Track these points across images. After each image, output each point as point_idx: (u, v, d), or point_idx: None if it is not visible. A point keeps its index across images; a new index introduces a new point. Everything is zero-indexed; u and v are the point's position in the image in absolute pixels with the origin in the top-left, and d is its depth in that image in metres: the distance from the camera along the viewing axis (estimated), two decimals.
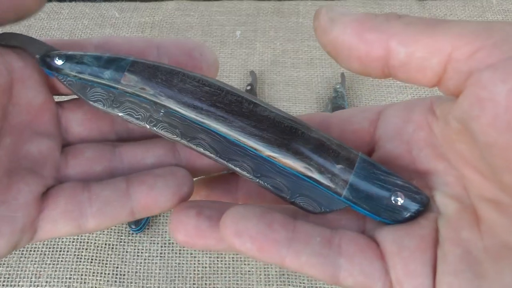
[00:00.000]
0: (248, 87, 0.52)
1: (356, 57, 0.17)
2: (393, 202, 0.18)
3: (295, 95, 0.54)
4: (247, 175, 0.19)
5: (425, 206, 0.18)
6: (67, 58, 0.20)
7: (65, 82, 0.20)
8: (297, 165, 0.18)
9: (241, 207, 0.17)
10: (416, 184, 0.19)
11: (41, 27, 0.60)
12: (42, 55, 0.20)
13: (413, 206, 0.18)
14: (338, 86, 0.52)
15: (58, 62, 0.20)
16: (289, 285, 0.41)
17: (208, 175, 0.22)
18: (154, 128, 0.19)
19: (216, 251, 0.19)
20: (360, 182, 0.18)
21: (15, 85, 0.20)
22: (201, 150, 0.19)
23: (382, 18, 0.17)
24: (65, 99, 0.22)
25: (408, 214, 0.18)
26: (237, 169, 0.19)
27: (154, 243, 0.44)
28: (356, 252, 0.17)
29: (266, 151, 0.19)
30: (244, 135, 0.19)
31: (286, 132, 0.19)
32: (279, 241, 0.17)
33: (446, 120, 0.18)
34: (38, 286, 0.41)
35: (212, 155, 0.19)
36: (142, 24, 0.61)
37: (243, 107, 0.19)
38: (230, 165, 0.19)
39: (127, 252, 0.43)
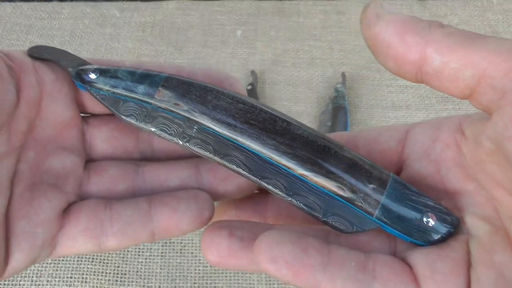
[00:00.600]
0: (249, 87, 0.52)
1: (393, 57, 0.17)
2: (425, 223, 0.18)
3: (295, 95, 0.54)
4: (280, 193, 0.19)
5: (456, 227, 0.18)
6: (101, 72, 0.20)
7: (98, 96, 0.20)
8: (330, 184, 0.18)
9: (275, 232, 0.17)
10: (445, 205, 0.18)
11: (42, 26, 0.60)
12: (75, 69, 0.20)
13: (444, 228, 0.18)
14: (339, 86, 0.52)
15: (92, 75, 0.20)
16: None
17: (231, 199, 0.21)
18: (187, 144, 0.19)
19: (248, 271, 0.19)
20: (392, 202, 0.18)
21: (45, 99, 0.20)
22: (234, 167, 0.19)
23: (425, 24, 0.17)
24: (91, 115, 0.22)
25: (439, 236, 0.18)
26: (270, 187, 0.19)
27: (155, 242, 0.44)
28: (391, 276, 0.17)
29: (299, 170, 0.19)
30: (277, 153, 0.19)
31: (319, 151, 0.19)
32: (314, 266, 0.16)
33: (477, 140, 0.17)
34: (39, 285, 0.41)
35: (245, 173, 0.19)
36: (143, 24, 0.61)
37: (276, 125, 0.19)
38: (263, 183, 0.19)
39: (128, 251, 0.43)
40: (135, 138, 0.21)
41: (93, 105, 0.21)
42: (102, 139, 0.21)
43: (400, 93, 0.54)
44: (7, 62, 0.19)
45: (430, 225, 0.18)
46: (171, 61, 0.57)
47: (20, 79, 0.19)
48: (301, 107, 0.53)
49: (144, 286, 0.41)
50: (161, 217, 0.19)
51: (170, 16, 0.62)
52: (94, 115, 0.21)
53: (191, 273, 0.42)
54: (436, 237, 0.18)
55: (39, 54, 0.20)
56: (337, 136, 0.22)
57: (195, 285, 0.41)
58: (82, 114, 0.21)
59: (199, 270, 0.42)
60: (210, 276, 0.42)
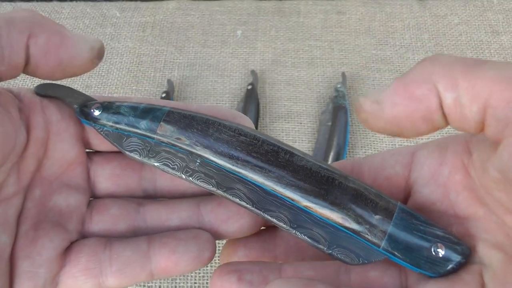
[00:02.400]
0: (249, 87, 0.52)
1: (421, 119, 0.16)
2: (434, 253, 0.17)
3: (296, 95, 0.54)
4: (284, 226, 0.18)
5: (467, 257, 0.17)
6: (104, 108, 0.20)
7: (102, 133, 0.20)
8: (335, 216, 0.18)
9: (283, 281, 0.17)
10: (456, 231, 0.18)
11: None
12: (80, 106, 0.20)
13: (455, 258, 0.17)
14: (339, 86, 0.52)
15: (96, 112, 0.20)
16: None
17: (234, 239, 0.21)
18: (190, 178, 0.19)
19: None
20: (399, 232, 0.18)
21: (52, 138, 0.20)
22: (237, 200, 0.19)
23: (419, 68, 0.16)
24: (95, 152, 0.22)
25: (450, 266, 0.17)
26: (274, 219, 0.18)
27: None
28: None
29: (303, 202, 0.18)
30: (280, 185, 0.19)
31: (323, 182, 0.19)
32: None
33: (484, 167, 0.17)
34: None
35: (248, 206, 0.19)
36: (143, 24, 0.61)
37: (279, 156, 0.19)
38: (266, 215, 0.19)
39: None
40: (137, 176, 0.21)
41: (99, 142, 0.21)
42: (105, 177, 0.21)
43: None
44: (17, 103, 0.19)
45: (440, 255, 0.17)
46: (172, 60, 0.57)
47: (29, 119, 0.19)
48: (301, 107, 0.53)
49: (144, 285, 0.41)
50: (160, 258, 0.19)
51: (170, 16, 0.62)
52: (98, 152, 0.22)
53: (191, 273, 0.42)
54: (447, 268, 0.17)
55: (45, 91, 0.21)
56: (342, 164, 0.21)
57: (195, 285, 0.41)
58: (87, 150, 0.22)
59: (199, 269, 0.42)
60: (210, 276, 0.42)
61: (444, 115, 0.16)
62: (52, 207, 0.19)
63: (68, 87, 0.21)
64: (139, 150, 0.20)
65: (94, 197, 0.21)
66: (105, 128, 0.20)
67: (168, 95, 0.52)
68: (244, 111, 0.50)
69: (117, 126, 0.20)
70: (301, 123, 0.52)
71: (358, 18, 0.61)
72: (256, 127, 0.50)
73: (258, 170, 0.19)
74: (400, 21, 0.61)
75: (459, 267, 0.17)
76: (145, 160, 0.20)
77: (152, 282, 0.41)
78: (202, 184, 0.19)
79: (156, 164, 0.20)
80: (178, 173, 0.19)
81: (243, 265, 0.19)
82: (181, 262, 0.19)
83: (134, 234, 0.20)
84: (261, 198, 0.19)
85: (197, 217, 0.20)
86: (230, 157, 0.19)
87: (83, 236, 0.20)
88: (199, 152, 0.19)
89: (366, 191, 0.19)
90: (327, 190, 0.18)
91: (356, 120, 0.52)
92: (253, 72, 0.55)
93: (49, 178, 0.20)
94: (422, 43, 0.58)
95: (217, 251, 0.41)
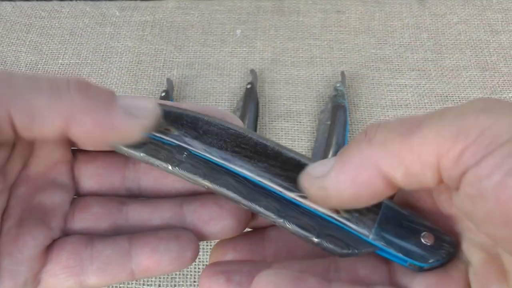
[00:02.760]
0: (249, 86, 0.52)
1: (370, 197, 0.16)
2: (423, 242, 0.18)
3: (295, 94, 0.54)
4: (272, 215, 0.18)
5: (455, 247, 0.18)
6: None
7: None
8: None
9: (272, 273, 0.17)
10: (441, 228, 0.18)
11: (42, 25, 0.60)
12: None
13: (444, 248, 0.18)
14: (338, 85, 0.52)
15: None
16: None
17: (217, 239, 0.21)
18: (177, 168, 0.19)
19: None
20: (387, 221, 0.18)
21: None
22: (225, 190, 0.19)
23: (355, 150, 0.16)
24: (80, 150, 0.22)
25: (440, 255, 0.17)
26: (262, 209, 0.18)
27: None
28: None
29: (292, 193, 0.19)
30: (269, 175, 0.19)
31: None
32: None
33: (453, 199, 0.17)
34: None
35: (235, 195, 0.19)
36: (143, 23, 0.61)
37: (268, 148, 0.19)
38: (254, 205, 0.18)
39: None
40: (121, 175, 0.21)
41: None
42: (89, 175, 0.21)
43: (399, 92, 0.54)
44: None
45: (429, 244, 0.18)
46: (171, 60, 0.57)
47: None
48: (301, 106, 0.53)
49: (143, 284, 0.41)
50: (141, 257, 0.18)
51: (169, 15, 0.62)
52: (83, 150, 0.21)
53: (190, 271, 0.42)
54: (437, 256, 0.17)
55: None
56: None
57: (195, 283, 0.41)
58: (72, 148, 0.21)
59: (198, 268, 0.42)
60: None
61: (394, 186, 0.16)
62: (36, 204, 0.19)
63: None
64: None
65: (78, 195, 0.21)
66: None
67: (168, 94, 0.52)
68: (244, 110, 0.50)
69: None
70: (300, 122, 0.52)
71: (357, 17, 0.61)
72: (256, 126, 0.50)
73: (246, 161, 0.19)
74: (399, 20, 0.61)
75: (448, 258, 0.17)
76: (131, 151, 0.19)
77: (151, 280, 0.41)
78: (189, 175, 0.19)
79: (141, 154, 0.19)
80: (164, 164, 0.19)
81: (232, 266, 0.19)
82: (163, 261, 0.18)
83: (116, 233, 0.20)
84: (249, 189, 0.19)
85: (180, 217, 0.20)
86: (218, 148, 0.19)
87: (66, 234, 0.20)
88: (187, 144, 0.19)
89: None
90: None
91: (355, 119, 0.52)
92: (252, 71, 0.55)
93: (35, 176, 0.20)
94: (421, 42, 0.58)
95: (202, 251, 0.41)
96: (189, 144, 0.19)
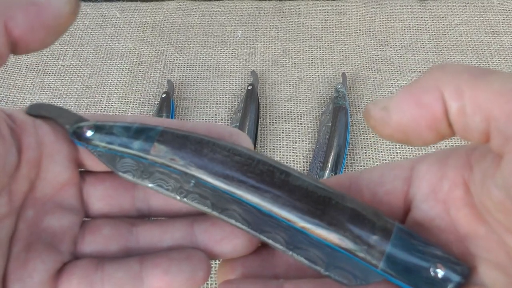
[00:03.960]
0: (250, 87, 0.52)
1: (427, 127, 0.16)
2: (432, 274, 0.17)
3: (296, 95, 0.54)
4: (280, 247, 0.18)
5: (466, 278, 0.17)
6: (97, 129, 0.20)
7: (95, 153, 0.20)
8: (331, 236, 0.18)
9: None
10: (456, 249, 0.18)
11: None
12: (72, 126, 0.20)
13: (454, 278, 0.17)
14: (339, 86, 0.52)
15: (88, 133, 0.20)
16: None
17: (229, 258, 0.21)
18: (185, 199, 0.19)
19: None
20: (397, 253, 0.17)
21: (44, 160, 0.20)
22: (233, 221, 0.18)
23: (427, 75, 0.16)
24: (88, 172, 0.22)
25: (449, 287, 0.17)
26: (270, 241, 0.18)
27: None
28: None
29: (299, 222, 0.18)
30: (276, 205, 0.18)
31: (319, 202, 0.18)
32: None
33: (484, 184, 0.16)
34: None
35: (244, 227, 0.18)
36: (143, 24, 0.61)
37: (274, 176, 0.19)
38: (262, 237, 0.18)
39: None
40: (130, 196, 0.21)
41: (92, 163, 0.21)
42: (98, 197, 0.21)
43: None
44: (9, 124, 0.19)
45: (439, 276, 0.17)
46: (172, 61, 0.57)
47: (21, 140, 0.19)
48: (302, 108, 0.53)
49: None
50: (152, 279, 0.18)
51: (170, 17, 0.62)
52: (91, 172, 0.21)
53: None
54: None
55: (37, 112, 0.20)
56: (340, 179, 0.21)
57: None
58: (80, 170, 0.21)
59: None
60: (210, 276, 0.42)
61: (449, 124, 0.16)
62: (45, 228, 0.19)
63: (61, 108, 0.21)
64: (133, 171, 0.19)
65: (88, 217, 0.21)
66: (98, 149, 0.20)
67: (168, 96, 0.52)
68: (244, 111, 0.50)
69: (110, 146, 0.20)
70: (301, 124, 0.51)
71: (358, 18, 0.61)
72: (256, 128, 0.50)
73: (253, 190, 0.18)
74: (400, 21, 0.61)
75: None
76: (139, 181, 0.19)
77: None
78: (197, 205, 0.19)
79: (150, 185, 0.19)
80: (173, 194, 0.19)
81: (243, 284, 0.19)
82: (174, 283, 0.18)
83: (126, 255, 0.19)
84: (256, 219, 0.18)
85: (191, 237, 0.20)
86: (225, 178, 0.19)
87: (76, 257, 0.19)
88: (193, 173, 0.19)
89: (364, 210, 0.18)
90: (323, 210, 0.18)
91: (357, 121, 0.51)
92: (253, 73, 0.54)
93: (42, 199, 0.20)
94: (423, 43, 0.58)
95: (213, 270, 0.41)
96: (195, 174, 0.19)
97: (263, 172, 0.19)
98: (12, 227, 0.18)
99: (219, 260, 0.21)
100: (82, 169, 0.21)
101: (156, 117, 0.21)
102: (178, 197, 0.19)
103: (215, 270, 0.42)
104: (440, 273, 0.17)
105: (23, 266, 0.18)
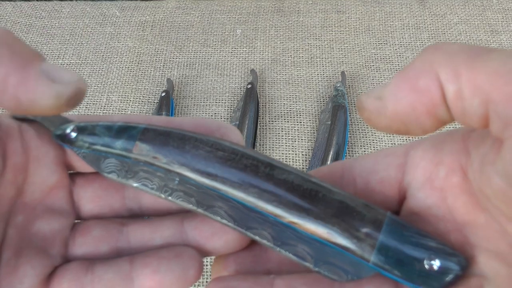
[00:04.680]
0: (249, 86, 0.52)
1: (425, 113, 0.15)
2: (427, 266, 0.16)
3: (295, 94, 0.54)
4: (267, 243, 0.18)
5: (464, 270, 0.16)
6: (79, 130, 0.20)
7: (79, 155, 0.20)
8: (320, 231, 0.17)
9: None
10: (454, 239, 0.17)
11: (42, 26, 0.60)
12: (57, 128, 0.20)
13: (450, 270, 0.16)
14: (338, 85, 0.52)
15: (72, 134, 0.20)
16: None
17: (221, 254, 0.20)
18: (169, 197, 0.19)
19: None
20: (389, 245, 0.17)
21: (31, 164, 0.19)
22: (218, 218, 0.18)
23: (421, 57, 0.15)
24: (77, 173, 0.21)
25: (445, 280, 0.16)
26: (257, 237, 0.18)
27: None
28: None
29: (286, 217, 0.17)
30: (261, 200, 0.18)
31: (306, 195, 0.18)
32: None
33: (483, 171, 0.15)
34: None
35: (229, 224, 0.18)
36: (143, 23, 0.61)
37: (259, 170, 0.18)
38: (249, 233, 0.18)
39: None
40: (120, 196, 0.21)
41: (81, 164, 0.21)
42: (88, 199, 0.21)
43: None
44: None
45: (434, 268, 0.16)
46: (171, 59, 0.57)
47: (6, 146, 0.19)
48: (301, 106, 0.53)
49: None
50: (142, 279, 0.18)
51: (170, 15, 0.62)
52: (81, 173, 0.21)
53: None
54: (442, 281, 0.16)
55: (23, 115, 0.20)
56: (332, 168, 0.20)
57: (194, 283, 0.41)
58: (70, 171, 0.21)
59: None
60: (210, 276, 0.42)
61: (448, 108, 0.15)
62: (35, 232, 0.19)
63: None
64: (117, 171, 0.19)
65: (79, 219, 0.21)
66: (82, 150, 0.20)
67: (168, 94, 0.52)
68: (244, 110, 0.50)
69: (94, 147, 0.19)
70: (300, 122, 0.52)
71: (357, 17, 0.61)
72: (256, 126, 0.50)
73: (238, 186, 0.18)
74: (399, 20, 0.61)
75: (456, 280, 0.16)
76: (124, 181, 0.19)
77: None
78: (182, 203, 0.19)
79: (135, 184, 0.19)
80: (158, 193, 0.19)
81: (234, 281, 0.18)
82: (165, 281, 0.18)
83: (117, 255, 0.19)
84: (243, 215, 0.18)
85: (181, 234, 0.19)
86: (208, 174, 0.18)
87: (67, 260, 0.19)
88: (176, 170, 0.19)
89: (353, 202, 0.18)
90: (310, 203, 0.17)
91: (356, 119, 0.52)
92: (252, 71, 0.55)
93: (32, 204, 0.19)
94: (422, 42, 0.58)
95: (207, 268, 0.41)
96: (178, 171, 0.19)
97: (247, 166, 0.18)
98: (1, 234, 0.18)
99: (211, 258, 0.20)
100: (72, 171, 0.21)
101: (142, 115, 0.21)
102: (163, 196, 0.19)
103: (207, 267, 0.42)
104: (436, 265, 0.16)
105: (13, 272, 0.18)
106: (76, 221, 0.20)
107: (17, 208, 0.19)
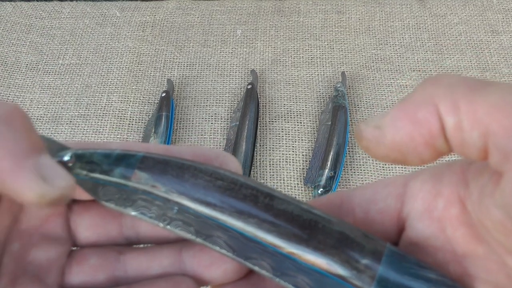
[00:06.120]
0: (249, 86, 0.52)
1: (423, 144, 0.15)
2: None
3: (295, 94, 0.54)
4: (267, 274, 0.17)
5: None
6: (77, 157, 0.19)
7: (77, 182, 0.19)
8: (319, 261, 0.17)
9: None
10: (452, 270, 0.17)
11: (42, 26, 0.60)
12: (54, 156, 0.19)
13: None
14: (339, 85, 0.52)
15: (69, 162, 0.19)
16: None
17: (219, 285, 0.20)
18: (168, 226, 0.18)
19: None
20: (388, 277, 0.17)
21: None
22: (217, 248, 0.18)
23: (420, 89, 0.15)
24: (74, 201, 0.21)
25: None
26: (256, 268, 0.17)
27: None
28: None
29: (285, 248, 0.17)
30: (261, 231, 0.18)
31: (305, 226, 0.18)
32: None
33: (482, 203, 0.15)
34: None
35: (228, 254, 0.18)
36: (143, 23, 0.61)
37: (258, 201, 0.18)
38: (248, 263, 0.18)
39: None
40: (118, 224, 0.20)
41: (78, 192, 0.20)
42: (85, 226, 0.20)
43: (400, 93, 0.54)
44: None
45: None
46: (171, 60, 0.57)
47: None
48: (301, 107, 0.53)
49: None
50: None
51: (170, 16, 0.62)
52: (78, 201, 0.21)
53: None
54: None
55: None
56: (331, 198, 0.20)
57: None
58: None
59: None
60: None
61: (446, 140, 0.15)
62: (31, 260, 0.19)
63: (43, 135, 0.20)
64: (115, 199, 0.19)
65: (76, 247, 0.20)
66: (80, 178, 0.19)
67: (168, 95, 0.52)
68: (244, 110, 0.50)
69: (91, 175, 0.19)
70: (301, 123, 0.52)
71: (358, 17, 0.61)
72: (256, 127, 0.50)
73: (237, 215, 0.18)
74: (399, 20, 0.61)
75: None
76: (122, 209, 0.19)
77: None
78: (180, 232, 0.18)
79: (133, 213, 0.19)
80: (156, 222, 0.19)
81: None
82: None
83: (115, 284, 0.19)
84: (242, 245, 0.18)
85: (179, 263, 0.19)
86: (207, 204, 0.18)
87: None
88: (175, 199, 0.18)
89: (352, 233, 0.17)
90: (310, 234, 0.17)
91: (356, 120, 0.52)
92: (253, 72, 0.55)
93: (28, 231, 0.19)
94: (422, 42, 0.58)
95: None
96: (177, 200, 0.18)
97: (247, 196, 0.18)
98: None
99: None
100: (73, 200, 0.21)
101: (141, 143, 0.21)
102: (162, 225, 0.19)
103: None
104: None
105: None
106: (72, 248, 0.20)
107: (13, 235, 0.19)
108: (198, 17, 0.62)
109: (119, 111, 0.53)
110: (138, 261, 0.19)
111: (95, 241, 0.20)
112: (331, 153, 0.47)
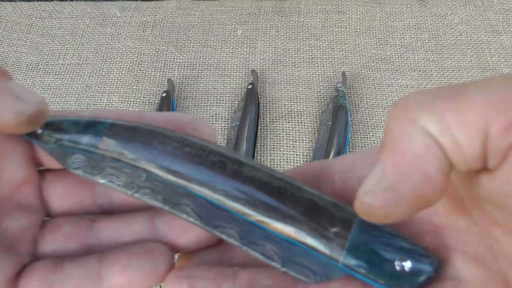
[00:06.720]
0: (250, 86, 0.52)
1: (436, 172, 0.14)
2: (398, 268, 0.16)
3: (296, 94, 0.54)
4: (235, 242, 0.17)
5: (436, 271, 0.16)
6: (46, 125, 0.19)
7: (46, 150, 0.19)
8: (288, 230, 0.17)
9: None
10: (429, 240, 0.17)
11: (42, 26, 0.60)
12: None
13: (422, 272, 0.16)
14: (339, 85, 0.52)
15: (38, 129, 0.19)
16: None
17: (192, 251, 0.20)
18: (136, 194, 0.18)
19: None
20: (359, 246, 0.16)
21: None
22: (185, 216, 0.18)
23: (396, 123, 0.14)
24: (47, 170, 0.21)
25: (417, 282, 0.16)
26: (224, 236, 0.17)
27: None
28: None
29: (253, 215, 0.17)
30: (228, 199, 0.17)
31: (274, 193, 0.17)
32: None
33: (472, 181, 0.15)
34: None
35: (196, 222, 0.17)
36: (143, 23, 0.61)
37: (226, 168, 0.18)
38: (216, 232, 0.17)
39: None
40: (91, 192, 0.20)
41: (50, 160, 0.20)
42: (58, 195, 0.20)
43: (400, 93, 0.54)
44: None
45: (405, 270, 0.16)
46: (172, 60, 0.57)
47: None
48: (302, 107, 0.53)
49: None
50: (112, 277, 0.17)
51: (170, 16, 0.62)
52: (51, 170, 0.21)
53: None
54: (414, 283, 0.16)
55: None
56: (311, 166, 0.20)
57: None
58: (39, 168, 0.21)
59: None
60: None
61: (448, 162, 0.14)
62: (3, 230, 0.18)
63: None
64: (83, 167, 0.19)
65: (49, 216, 0.20)
66: (48, 146, 0.19)
67: (168, 95, 0.52)
68: (244, 110, 0.50)
69: (60, 142, 0.19)
70: (301, 123, 0.52)
71: (358, 17, 0.61)
72: (257, 127, 0.50)
73: (205, 183, 0.18)
74: (400, 20, 0.61)
75: (428, 282, 0.16)
76: (90, 177, 0.19)
77: None
78: (148, 200, 0.18)
79: (101, 181, 0.19)
80: (124, 190, 0.18)
81: (197, 271, 0.18)
82: (135, 279, 0.17)
83: (88, 252, 0.19)
84: (210, 213, 0.17)
85: (152, 230, 0.19)
86: (175, 171, 0.18)
87: (36, 258, 0.19)
88: (143, 167, 0.18)
89: (322, 201, 0.17)
90: (278, 202, 0.17)
91: (356, 120, 0.52)
92: (253, 72, 0.55)
93: (0, 201, 0.19)
94: (422, 42, 0.58)
95: None
96: (145, 167, 0.18)
97: (215, 163, 0.18)
98: None
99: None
100: (41, 168, 0.21)
101: (113, 110, 0.20)
102: (129, 192, 0.18)
103: None
104: (406, 266, 0.16)
105: None
106: (45, 218, 0.20)
107: None
108: (198, 17, 0.62)
109: None
110: (112, 229, 0.19)
111: (68, 210, 0.20)
112: (332, 153, 0.47)
